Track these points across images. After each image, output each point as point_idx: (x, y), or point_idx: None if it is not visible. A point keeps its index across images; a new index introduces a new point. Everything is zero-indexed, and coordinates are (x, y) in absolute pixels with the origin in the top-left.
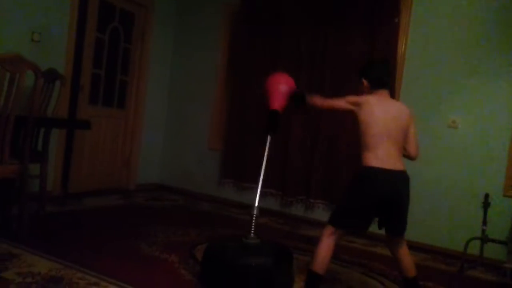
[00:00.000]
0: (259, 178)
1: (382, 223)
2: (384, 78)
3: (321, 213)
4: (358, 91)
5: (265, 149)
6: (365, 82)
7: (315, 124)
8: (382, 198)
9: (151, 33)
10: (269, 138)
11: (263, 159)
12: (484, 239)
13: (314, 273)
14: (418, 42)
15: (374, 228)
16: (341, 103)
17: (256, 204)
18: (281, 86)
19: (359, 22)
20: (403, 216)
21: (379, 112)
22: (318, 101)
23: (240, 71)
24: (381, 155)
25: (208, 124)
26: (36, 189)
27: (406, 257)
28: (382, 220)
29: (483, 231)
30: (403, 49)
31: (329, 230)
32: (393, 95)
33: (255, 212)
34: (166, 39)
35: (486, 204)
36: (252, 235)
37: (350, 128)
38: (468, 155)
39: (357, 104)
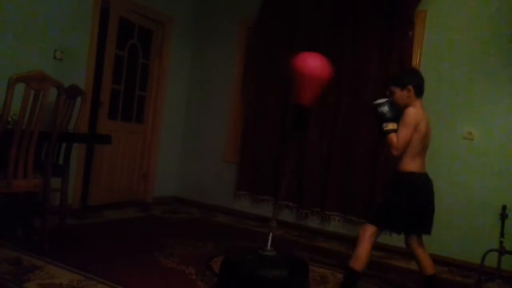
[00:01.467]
0: (282, 185)
1: (414, 225)
2: (423, 86)
3: (337, 226)
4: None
5: (287, 154)
6: (411, 89)
7: (331, 136)
8: (430, 201)
9: (168, 49)
10: (292, 138)
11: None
12: (502, 251)
13: (355, 271)
14: (432, 54)
15: (390, 241)
16: (410, 132)
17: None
18: (313, 74)
19: (374, 35)
20: (433, 215)
21: (425, 127)
22: (395, 138)
23: (256, 84)
24: (421, 162)
25: (224, 138)
26: (57, 202)
27: (427, 256)
28: (415, 223)
29: (501, 243)
30: (417, 61)
31: (371, 230)
32: None
33: (273, 224)
34: (184, 54)
35: (503, 216)
36: (268, 247)
37: (366, 140)
38: (485, 166)
39: (417, 125)
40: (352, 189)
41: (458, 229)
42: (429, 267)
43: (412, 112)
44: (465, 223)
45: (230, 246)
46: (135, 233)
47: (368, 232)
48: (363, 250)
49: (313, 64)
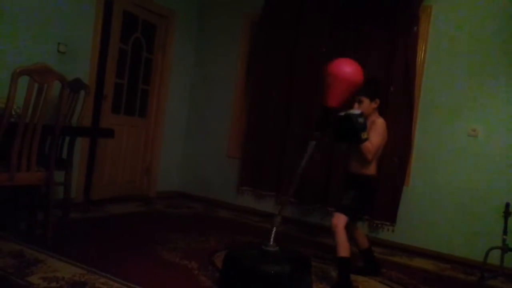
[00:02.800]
0: (292, 186)
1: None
2: None
3: None
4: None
5: (303, 154)
6: (378, 102)
7: None
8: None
9: (172, 43)
10: (312, 141)
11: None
12: (505, 248)
13: (345, 258)
14: (437, 50)
15: (393, 237)
16: (381, 141)
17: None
18: (344, 79)
19: (378, 31)
20: None
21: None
22: (370, 146)
23: (259, 79)
24: (377, 165)
25: (227, 132)
26: (60, 196)
27: (362, 234)
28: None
29: (504, 240)
30: (422, 57)
31: (344, 220)
32: (412, 103)
33: (278, 220)
34: (187, 49)
35: (506, 214)
36: (271, 242)
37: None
38: (488, 163)
39: (384, 134)
40: None
41: (461, 227)
42: (365, 243)
43: (383, 123)
44: (468, 221)
45: (232, 241)
46: (138, 227)
47: (342, 223)
48: (343, 238)
49: (347, 69)
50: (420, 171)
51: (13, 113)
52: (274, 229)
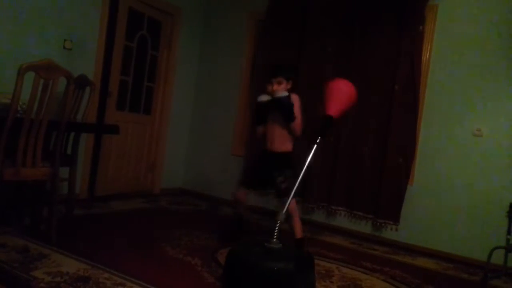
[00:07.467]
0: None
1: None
2: None
3: (343, 220)
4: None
5: (309, 155)
6: (291, 82)
7: (338, 129)
8: None
9: (177, 41)
10: (316, 144)
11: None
12: (508, 248)
13: (302, 238)
14: (442, 49)
15: (396, 236)
16: (301, 116)
17: (285, 210)
18: (342, 94)
19: (384, 29)
20: None
21: None
22: (299, 122)
23: (264, 77)
24: None
25: (232, 130)
26: (65, 192)
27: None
28: None
29: (508, 240)
30: (427, 56)
31: (294, 201)
32: (416, 103)
33: (282, 218)
34: (192, 46)
35: (510, 213)
36: (274, 240)
37: (373, 134)
38: (493, 163)
39: None
40: (358, 185)
41: (465, 226)
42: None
43: (299, 99)
44: (472, 220)
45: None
46: (142, 224)
47: (294, 205)
48: (298, 220)
49: (346, 85)
50: (424, 170)
51: (19, 109)
52: (278, 226)
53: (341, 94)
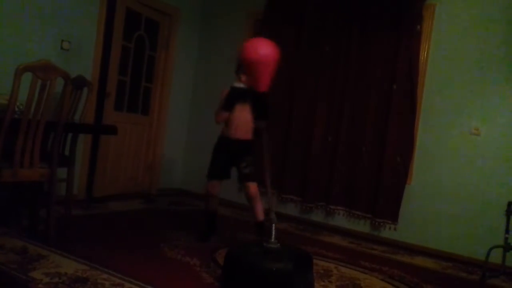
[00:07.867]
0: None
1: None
2: None
3: (341, 220)
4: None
5: (264, 144)
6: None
7: (336, 131)
8: None
9: (175, 41)
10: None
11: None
12: (507, 247)
13: (263, 221)
14: (440, 49)
15: (395, 236)
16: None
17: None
18: (267, 59)
19: (382, 29)
20: None
21: None
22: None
23: None
24: None
25: None
26: (63, 192)
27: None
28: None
29: (506, 239)
30: (425, 55)
31: (256, 187)
32: (414, 102)
33: (275, 218)
34: (190, 46)
35: (509, 212)
36: (272, 240)
37: (371, 134)
38: (491, 162)
39: None
40: (357, 184)
41: (463, 225)
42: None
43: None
44: (470, 219)
45: (234, 238)
46: (140, 224)
47: (256, 188)
48: (260, 204)
49: (264, 51)
50: (423, 170)
51: (16, 109)
52: (274, 226)
53: (265, 62)
